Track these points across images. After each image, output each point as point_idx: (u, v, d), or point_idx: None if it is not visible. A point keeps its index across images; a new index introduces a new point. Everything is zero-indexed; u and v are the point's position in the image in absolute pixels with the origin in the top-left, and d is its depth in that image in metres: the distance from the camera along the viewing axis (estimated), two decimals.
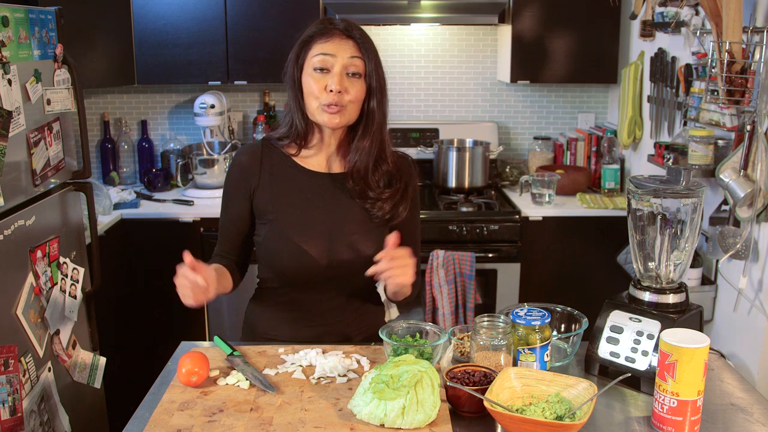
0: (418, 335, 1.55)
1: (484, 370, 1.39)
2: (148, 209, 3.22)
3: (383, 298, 1.77)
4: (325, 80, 1.60)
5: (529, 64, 3.42)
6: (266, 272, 1.76)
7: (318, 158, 1.72)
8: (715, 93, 2.33)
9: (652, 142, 3.06)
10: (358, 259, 1.64)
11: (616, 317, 1.52)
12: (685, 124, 2.75)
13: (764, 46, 2.15)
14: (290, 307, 1.73)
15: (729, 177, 2.27)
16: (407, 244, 1.75)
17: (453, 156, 3.42)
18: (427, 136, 3.66)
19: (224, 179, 1.78)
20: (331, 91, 1.58)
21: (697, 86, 2.59)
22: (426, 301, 3.08)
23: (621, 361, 1.48)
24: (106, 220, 2.98)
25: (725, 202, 2.42)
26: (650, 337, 1.46)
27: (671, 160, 2.65)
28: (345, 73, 1.60)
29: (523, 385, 1.34)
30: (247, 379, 1.46)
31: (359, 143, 1.66)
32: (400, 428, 1.27)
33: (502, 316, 1.44)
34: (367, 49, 1.61)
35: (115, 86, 3.56)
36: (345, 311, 1.73)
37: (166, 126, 3.76)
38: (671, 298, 1.48)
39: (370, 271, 1.51)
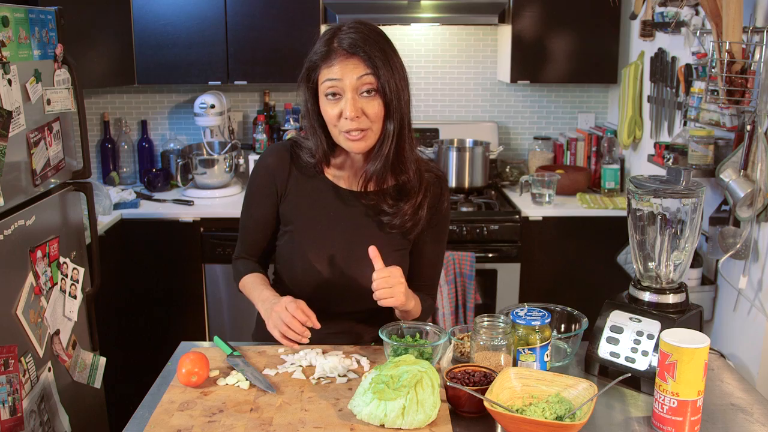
0: (418, 335, 1.55)
1: (484, 370, 1.39)
2: (148, 209, 3.22)
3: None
4: (339, 106, 1.53)
5: (529, 64, 3.42)
6: (280, 277, 1.76)
7: (345, 175, 1.69)
8: (715, 93, 2.33)
9: (652, 142, 3.06)
10: (369, 284, 1.61)
11: (616, 317, 1.52)
12: (685, 124, 2.75)
13: (764, 46, 2.15)
14: None
15: (729, 177, 2.27)
16: (427, 271, 1.77)
17: (453, 156, 3.42)
18: (427, 136, 3.66)
19: (249, 179, 1.75)
20: (347, 117, 1.52)
21: (697, 86, 2.59)
22: None
23: (621, 361, 1.48)
24: (106, 220, 2.98)
25: (725, 202, 2.42)
26: (650, 337, 1.46)
27: (671, 160, 2.65)
28: (358, 94, 1.53)
29: (523, 386, 1.34)
30: (247, 379, 1.46)
31: (378, 152, 1.59)
32: (400, 428, 1.27)
33: (502, 316, 1.44)
34: (375, 63, 1.52)
35: (115, 86, 3.56)
36: (355, 320, 1.71)
37: (166, 126, 3.76)
38: (671, 298, 1.48)
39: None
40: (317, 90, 1.57)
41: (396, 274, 1.52)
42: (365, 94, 1.53)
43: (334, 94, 1.53)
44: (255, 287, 1.70)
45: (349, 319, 1.70)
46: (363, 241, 1.65)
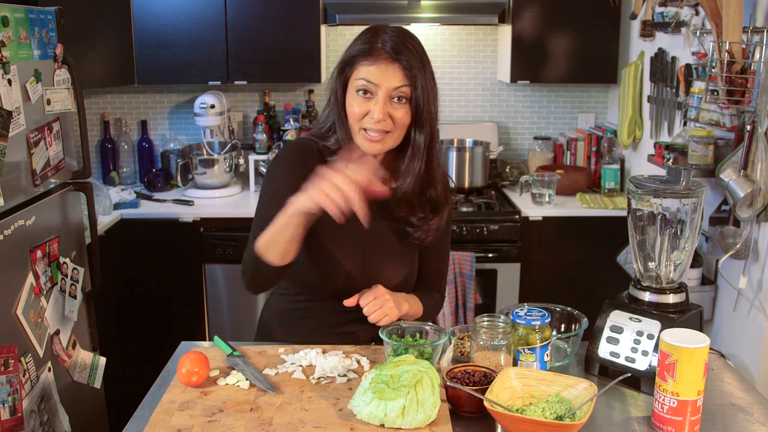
0: (418, 335, 1.55)
1: (484, 370, 1.39)
2: (148, 209, 3.22)
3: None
4: (368, 105, 1.52)
5: (529, 64, 3.42)
6: (291, 280, 1.72)
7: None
8: (715, 93, 2.33)
9: (652, 142, 3.06)
10: (388, 280, 1.63)
11: (616, 317, 1.52)
12: (685, 124, 2.75)
13: (764, 46, 2.15)
14: (309, 314, 1.71)
15: (729, 177, 2.27)
16: (435, 265, 1.77)
17: (453, 156, 3.42)
18: None
19: (269, 175, 1.68)
20: (373, 118, 1.51)
21: (697, 86, 2.59)
22: None
23: (621, 361, 1.48)
24: (106, 220, 2.98)
25: (725, 202, 2.42)
26: (650, 337, 1.46)
27: (671, 160, 2.65)
28: (390, 99, 1.52)
29: (523, 385, 1.34)
30: (247, 379, 1.46)
31: (409, 166, 1.59)
32: (400, 428, 1.27)
33: (502, 316, 1.44)
34: (415, 75, 1.52)
35: (115, 86, 3.56)
36: (362, 322, 1.71)
37: (166, 126, 3.76)
38: (671, 298, 1.48)
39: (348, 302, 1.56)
40: (347, 84, 1.57)
41: (380, 293, 1.56)
42: (396, 100, 1.53)
43: (365, 92, 1.53)
44: (271, 224, 1.51)
45: (357, 325, 1.69)
46: (380, 237, 1.66)
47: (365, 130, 1.54)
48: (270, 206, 1.61)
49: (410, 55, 1.52)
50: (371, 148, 1.56)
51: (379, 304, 1.55)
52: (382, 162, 1.66)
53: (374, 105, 1.52)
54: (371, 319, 1.55)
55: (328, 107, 1.65)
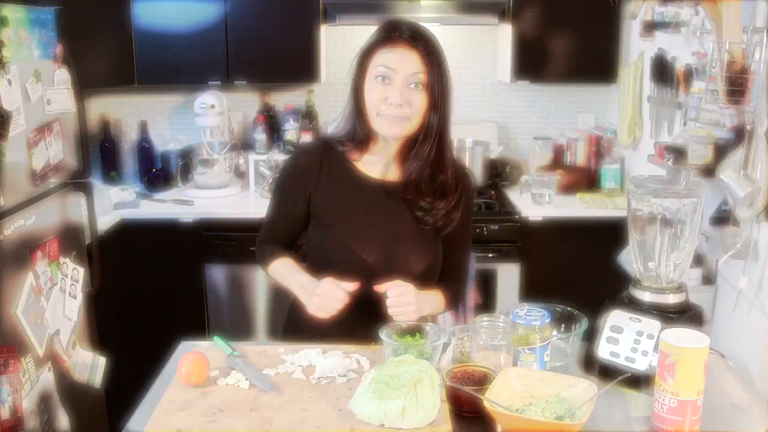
0: (417, 335, 1.55)
1: (484, 370, 1.39)
2: (148, 209, 3.22)
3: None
4: (386, 91, 1.58)
5: (529, 64, 3.42)
6: (316, 274, 1.73)
7: (377, 165, 1.71)
8: (715, 93, 2.33)
9: (652, 142, 3.06)
10: (411, 271, 1.65)
11: (616, 317, 1.52)
12: (685, 124, 2.75)
13: (764, 46, 2.15)
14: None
15: (729, 177, 2.27)
16: (457, 258, 1.81)
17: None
18: None
19: (277, 181, 1.79)
20: (392, 104, 1.57)
21: (697, 86, 2.59)
22: None
23: (621, 361, 1.48)
24: (106, 220, 2.98)
25: (725, 202, 2.42)
26: (650, 337, 1.46)
27: (671, 160, 2.64)
28: (407, 85, 1.58)
29: (523, 385, 1.34)
30: (247, 379, 1.46)
31: (419, 150, 1.64)
32: (400, 428, 1.27)
33: (502, 316, 1.44)
34: (432, 61, 1.57)
35: (115, 86, 3.56)
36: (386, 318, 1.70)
37: (166, 126, 3.76)
38: (671, 298, 1.48)
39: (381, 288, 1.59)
40: (366, 73, 1.61)
41: (408, 292, 1.58)
42: (413, 86, 1.58)
43: (384, 78, 1.57)
44: (289, 273, 1.73)
45: (381, 320, 1.68)
46: (400, 228, 1.69)
47: (385, 116, 1.59)
48: (273, 209, 1.77)
49: (428, 43, 1.58)
50: (391, 130, 1.60)
51: (402, 303, 1.57)
52: (399, 151, 1.69)
53: (392, 90, 1.56)
54: (390, 311, 1.57)
55: (348, 102, 1.69)
